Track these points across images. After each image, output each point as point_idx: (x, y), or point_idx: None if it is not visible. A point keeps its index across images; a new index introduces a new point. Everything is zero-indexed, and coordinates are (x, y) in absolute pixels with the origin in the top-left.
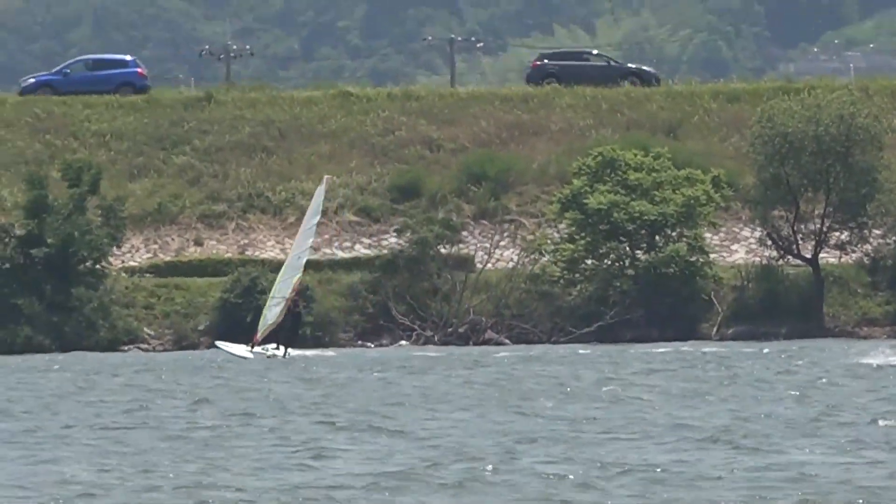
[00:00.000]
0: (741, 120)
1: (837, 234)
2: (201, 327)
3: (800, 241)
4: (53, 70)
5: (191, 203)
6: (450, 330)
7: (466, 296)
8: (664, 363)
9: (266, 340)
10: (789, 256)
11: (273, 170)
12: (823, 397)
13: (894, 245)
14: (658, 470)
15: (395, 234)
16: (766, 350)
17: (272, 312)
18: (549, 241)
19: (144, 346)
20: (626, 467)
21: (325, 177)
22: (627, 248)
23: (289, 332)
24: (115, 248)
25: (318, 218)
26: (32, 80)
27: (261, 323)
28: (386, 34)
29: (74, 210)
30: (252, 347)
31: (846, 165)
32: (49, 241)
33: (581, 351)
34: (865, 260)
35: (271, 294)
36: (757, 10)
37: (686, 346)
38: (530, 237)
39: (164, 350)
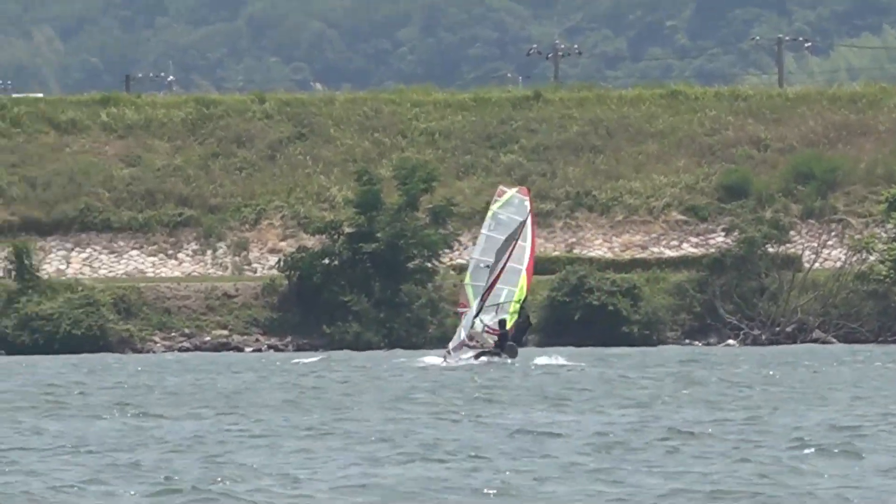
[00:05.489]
0: None
1: None
2: None
3: None
4: None
5: None
6: (777, 329)
7: (794, 295)
8: None
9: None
10: None
11: (600, 169)
12: None
13: None
14: None
15: (722, 233)
16: None
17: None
18: (876, 241)
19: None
20: None
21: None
22: None
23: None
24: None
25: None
26: None
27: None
28: (714, 34)
29: (406, 207)
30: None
31: None
32: (379, 236)
33: None
34: None
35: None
36: None
37: None
38: (858, 236)
39: None
